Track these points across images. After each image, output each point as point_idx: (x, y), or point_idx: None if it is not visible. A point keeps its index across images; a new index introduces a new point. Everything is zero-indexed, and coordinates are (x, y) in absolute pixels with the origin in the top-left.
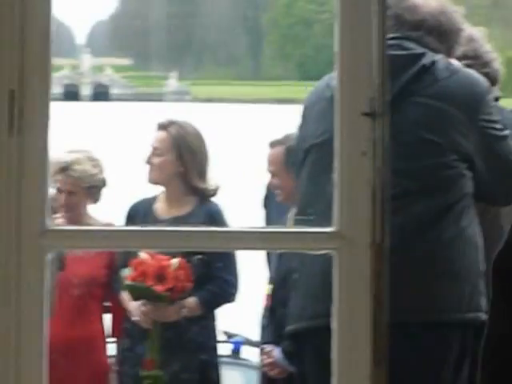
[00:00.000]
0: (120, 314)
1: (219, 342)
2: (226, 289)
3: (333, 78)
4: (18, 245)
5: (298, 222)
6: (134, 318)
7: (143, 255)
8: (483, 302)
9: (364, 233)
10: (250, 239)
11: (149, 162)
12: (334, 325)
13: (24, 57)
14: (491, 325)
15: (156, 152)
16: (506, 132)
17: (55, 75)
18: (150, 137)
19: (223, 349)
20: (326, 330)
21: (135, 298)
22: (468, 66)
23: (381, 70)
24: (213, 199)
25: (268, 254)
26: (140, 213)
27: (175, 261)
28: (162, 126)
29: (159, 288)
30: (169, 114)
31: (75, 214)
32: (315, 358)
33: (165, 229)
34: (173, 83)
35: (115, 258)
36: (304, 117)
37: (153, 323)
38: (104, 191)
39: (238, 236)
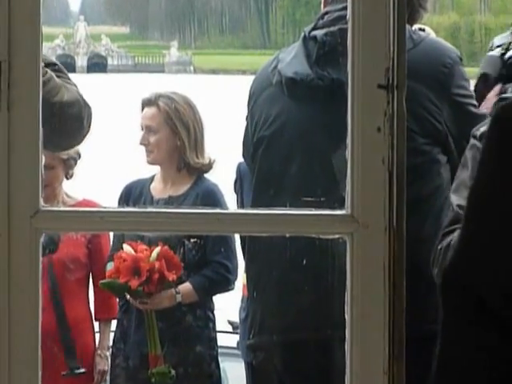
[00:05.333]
0: (103, 296)
1: (221, 332)
2: (223, 274)
3: (281, 58)
4: (8, 227)
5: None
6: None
7: (126, 247)
8: None
9: (379, 216)
10: (251, 222)
11: (143, 142)
12: (347, 316)
13: (11, 25)
14: (444, 348)
15: (149, 130)
16: (484, 110)
17: (47, 45)
18: (138, 116)
19: (228, 340)
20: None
21: (116, 296)
22: None
23: (397, 38)
24: (211, 178)
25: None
26: (134, 193)
27: (155, 251)
28: (149, 102)
29: (134, 283)
30: (169, 87)
31: (52, 190)
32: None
33: (158, 210)
34: (174, 53)
35: (94, 238)
36: (250, 106)
37: (146, 312)
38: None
39: (239, 218)
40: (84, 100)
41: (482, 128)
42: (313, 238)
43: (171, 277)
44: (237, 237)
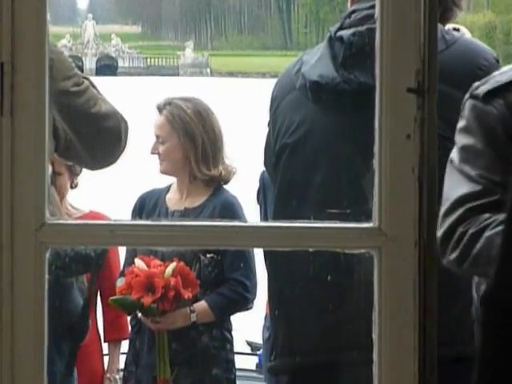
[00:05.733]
0: (112, 316)
1: (239, 353)
2: (241, 292)
3: (305, 60)
4: (12, 241)
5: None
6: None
7: (138, 262)
8: None
9: (408, 229)
10: (271, 236)
11: (153, 152)
12: (374, 336)
13: (15, 23)
14: (483, 371)
15: (159, 139)
16: None
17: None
18: (151, 123)
19: (247, 362)
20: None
21: (126, 313)
22: None
23: (428, 38)
24: (229, 189)
25: None
26: (149, 204)
27: (171, 266)
28: (159, 109)
29: (147, 300)
30: (184, 91)
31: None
32: None
33: (173, 223)
34: (189, 54)
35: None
36: (272, 112)
37: (157, 332)
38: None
39: (258, 232)
40: (121, 113)
41: (483, 87)
42: (337, 253)
43: (187, 295)
44: (259, 251)
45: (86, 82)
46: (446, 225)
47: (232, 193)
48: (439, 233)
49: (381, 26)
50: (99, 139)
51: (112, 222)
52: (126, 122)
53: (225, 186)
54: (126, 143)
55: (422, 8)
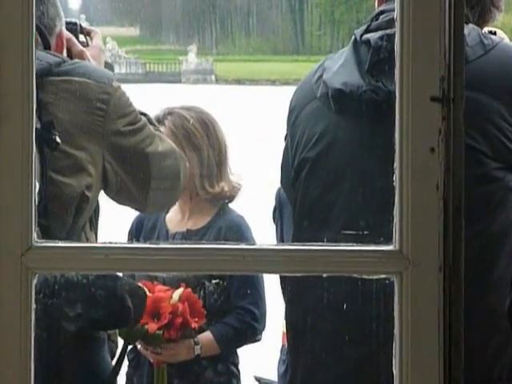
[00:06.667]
0: None
1: None
2: (249, 322)
3: (327, 66)
4: None
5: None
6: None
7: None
8: None
9: (432, 253)
10: (282, 260)
11: None
12: (395, 370)
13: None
14: None
15: None
16: None
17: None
18: None
19: None
20: None
21: (128, 341)
22: None
23: (454, 42)
24: (235, 209)
25: None
26: (147, 226)
27: (177, 292)
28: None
29: (152, 326)
30: (186, 100)
31: None
32: None
33: (174, 246)
34: (192, 59)
35: None
36: (290, 123)
37: (156, 366)
38: None
39: (267, 256)
40: (179, 151)
41: None
42: (355, 279)
43: (194, 324)
44: (270, 276)
45: (144, 119)
46: None
47: (238, 212)
48: None
49: (401, 29)
50: (156, 180)
51: (107, 245)
52: (184, 161)
53: (230, 205)
54: (185, 182)
55: (447, 8)
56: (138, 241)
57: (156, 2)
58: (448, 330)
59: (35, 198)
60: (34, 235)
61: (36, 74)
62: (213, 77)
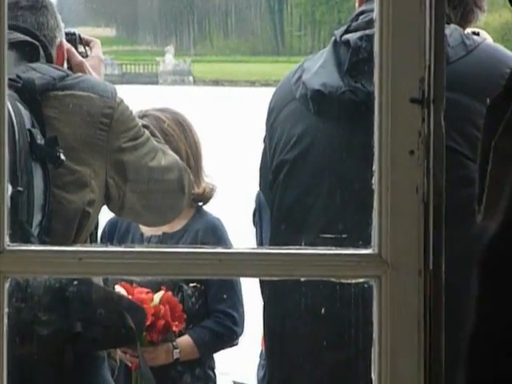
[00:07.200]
0: None
1: None
2: (229, 326)
3: (306, 67)
4: None
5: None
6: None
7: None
8: None
9: (412, 256)
10: (259, 264)
11: None
12: (373, 376)
13: None
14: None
15: None
16: None
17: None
18: None
19: None
20: None
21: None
22: None
23: (434, 42)
24: (211, 212)
25: None
26: (120, 229)
27: (158, 295)
28: None
29: None
30: (163, 101)
31: None
32: None
33: (149, 250)
34: (169, 60)
35: None
36: (269, 125)
37: (133, 371)
38: None
39: (244, 259)
40: (183, 164)
41: None
42: (332, 283)
43: (174, 327)
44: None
45: (147, 132)
46: None
47: (214, 215)
48: None
49: (380, 29)
50: (160, 194)
51: (80, 249)
52: (188, 173)
53: (205, 207)
54: (189, 195)
55: (428, 8)
56: (111, 244)
57: (133, 2)
58: (428, 335)
59: (7, 200)
60: (7, 239)
61: (39, 89)
62: (191, 78)
